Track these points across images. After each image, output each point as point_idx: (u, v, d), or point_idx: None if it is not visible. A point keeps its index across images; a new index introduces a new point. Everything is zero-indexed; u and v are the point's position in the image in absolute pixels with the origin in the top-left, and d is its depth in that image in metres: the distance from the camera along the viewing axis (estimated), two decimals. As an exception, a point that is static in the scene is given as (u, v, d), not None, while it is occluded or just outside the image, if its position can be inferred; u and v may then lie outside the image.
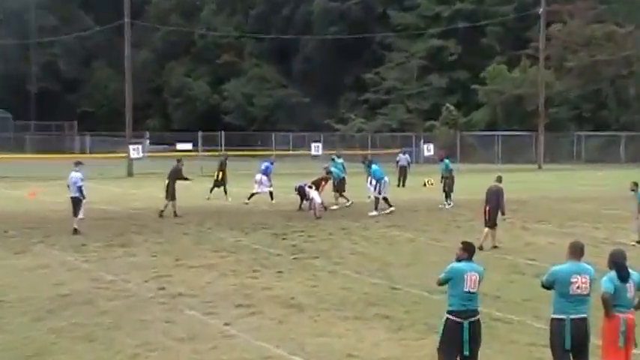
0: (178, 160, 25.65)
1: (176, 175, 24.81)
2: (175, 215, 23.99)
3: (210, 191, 29.77)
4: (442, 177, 28.23)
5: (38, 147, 67.40)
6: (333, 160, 30.16)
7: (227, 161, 30.87)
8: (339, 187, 27.14)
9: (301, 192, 25.62)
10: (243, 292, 13.30)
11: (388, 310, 12.05)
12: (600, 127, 61.04)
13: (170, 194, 24.27)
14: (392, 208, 24.77)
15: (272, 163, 29.30)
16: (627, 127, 59.94)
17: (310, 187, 24.55)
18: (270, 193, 28.33)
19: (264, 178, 28.37)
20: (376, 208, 24.53)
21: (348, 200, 26.74)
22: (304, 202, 25.61)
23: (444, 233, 20.86)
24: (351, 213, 25.27)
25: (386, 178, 25.21)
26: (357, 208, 26.12)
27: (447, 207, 26.88)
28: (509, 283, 14.15)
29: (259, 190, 28.32)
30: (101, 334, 10.74)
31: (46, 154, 56.30)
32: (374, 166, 25.32)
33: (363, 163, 27.70)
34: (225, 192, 29.66)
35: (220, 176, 29.83)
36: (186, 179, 25.25)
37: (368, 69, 75.18)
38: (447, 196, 27.32)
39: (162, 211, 24.08)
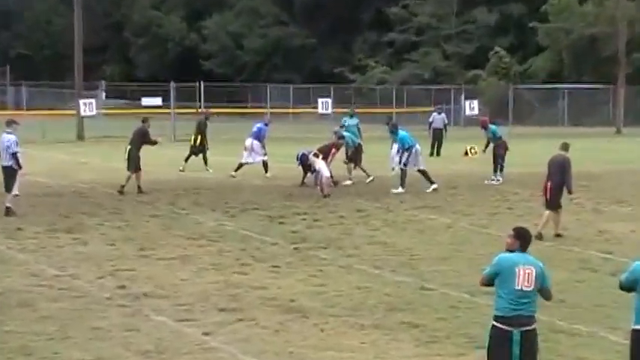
0: (144, 121, 25.63)
1: (141, 139, 24.82)
2: (140, 191, 24.01)
3: (186, 160, 29.80)
4: (487, 144, 28.23)
5: (-42, 100, 67.53)
6: (344, 121, 30.13)
7: (207, 122, 30.86)
8: (354, 157, 27.13)
9: (304, 162, 25.61)
10: (228, 293, 13.33)
11: (417, 317, 12.06)
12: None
13: (133, 164, 24.30)
14: (434, 186, 24.80)
15: (266, 125, 29.31)
16: None
17: (316, 155, 24.53)
18: (264, 164, 28.34)
19: (256, 143, 28.38)
20: (402, 184, 24.51)
21: (369, 175, 26.71)
22: (308, 175, 25.61)
23: (491, 217, 20.84)
24: (369, 190, 25.25)
25: (417, 146, 25.19)
26: (377, 185, 26.08)
27: (495, 183, 26.86)
28: (576, 284, 14.15)
29: (250, 160, 28.32)
30: (41, 345, 10.77)
31: (-30, 110, 56.23)
32: (401, 132, 25.30)
33: (388, 126, 27.66)
34: (205, 161, 29.67)
35: (199, 141, 29.83)
36: (154, 143, 25.29)
37: (393, 1, 74.87)
38: (498, 168, 27.30)
39: (122, 186, 24.10)
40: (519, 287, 8.22)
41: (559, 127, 56.56)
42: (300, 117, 61.25)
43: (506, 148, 27.66)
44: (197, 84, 52.77)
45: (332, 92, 58.27)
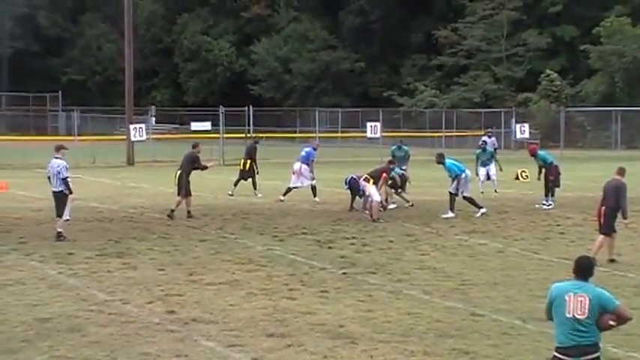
0: (194, 146, 25.55)
1: (191, 164, 24.91)
2: (189, 216, 24.16)
3: (235, 185, 29.93)
4: (540, 170, 27.99)
5: (11, 125, 68.57)
6: (399, 146, 30.12)
7: (257, 146, 30.99)
8: (395, 185, 27.14)
9: (353, 186, 25.61)
10: (276, 318, 13.31)
11: (468, 344, 11.96)
12: None
13: (183, 189, 24.42)
14: (483, 210, 24.72)
15: (315, 149, 29.34)
16: None
17: (367, 180, 24.50)
18: (313, 188, 28.38)
19: (305, 167, 28.43)
20: (452, 209, 24.45)
21: (408, 201, 26.83)
22: (357, 199, 25.59)
23: (542, 242, 20.65)
24: (419, 214, 25.18)
25: (467, 172, 25.10)
26: (426, 209, 25.98)
27: (545, 207, 26.64)
28: (631, 310, 13.92)
29: (298, 184, 28.38)
30: (92, 370, 10.82)
31: (21, 135, 57.19)
32: (447, 161, 25.19)
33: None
34: (255, 186, 29.78)
35: (248, 165, 29.96)
36: (204, 168, 25.35)
37: (442, 24, 74.93)
38: (549, 192, 27.09)
39: (172, 210, 24.26)
40: (571, 315, 8.13)
41: (612, 151, 56.02)
42: (349, 141, 61.38)
43: (558, 173, 27.44)
44: (246, 108, 53.12)
45: (381, 116, 58.21)
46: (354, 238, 21.03)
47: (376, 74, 79.92)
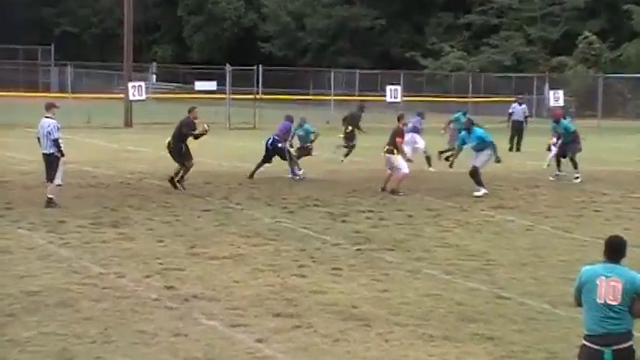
0: (190, 110, 24.62)
1: (183, 130, 23.96)
2: (172, 183, 23.62)
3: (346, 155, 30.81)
4: (558, 138, 28.06)
5: None
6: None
7: (362, 114, 32.78)
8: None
9: (275, 150, 26.41)
10: (284, 297, 13.35)
11: (491, 329, 11.98)
12: None
13: (178, 158, 23.92)
14: (483, 192, 24.22)
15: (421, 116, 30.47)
16: None
17: (390, 151, 24.20)
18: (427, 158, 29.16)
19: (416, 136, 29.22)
20: (481, 184, 23.98)
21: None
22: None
23: (575, 220, 20.64)
24: (442, 187, 25.15)
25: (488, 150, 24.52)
26: (449, 182, 25.96)
27: (558, 174, 26.84)
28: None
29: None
30: (82, 349, 10.87)
31: (10, 90, 57.24)
32: (477, 130, 24.78)
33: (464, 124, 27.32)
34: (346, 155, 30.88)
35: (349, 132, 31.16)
36: (199, 136, 24.46)
37: (471, -21, 74.48)
38: (560, 162, 27.36)
39: (171, 177, 24.09)
40: (602, 301, 8.13)
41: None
42: (367, 105, 61.21)
43: (578, 142, 27.60)
44: (255, 68, 53.02)
45: (402, 79, 58.02)
46: (370, 211, 21.03)
47: (398, 33, 79.55)
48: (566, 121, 28.38)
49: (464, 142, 24.58)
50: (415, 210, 21.38)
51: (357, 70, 66.30)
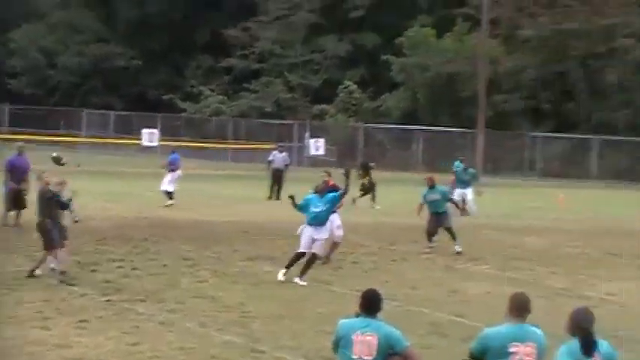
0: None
1: None
2: None
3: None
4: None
5: None
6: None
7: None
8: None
9: None
10: (25, 351, 12.98)
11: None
12: (564, 126, 62.97)
13: None
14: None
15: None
16: (600, 129, 61.80)
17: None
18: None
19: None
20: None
21: None
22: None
23: (335, 272, 20.93)
24: (200, 236, 25.11)
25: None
26: (205, 230, 25.93)
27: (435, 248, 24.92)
28: (423, 350, 14.29)
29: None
30: None
31: None
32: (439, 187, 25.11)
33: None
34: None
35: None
36: None
37: (232, 22, 75.14)
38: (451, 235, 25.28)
39: None
40: (357, 357, 8.26)
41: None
42: (122, 148, 60.58)
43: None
44: (4, 107, 51.65)
45: (159, 122, 57.86)
46: (121, 260, 20.74)
47: (156, 74, 79.21)
48: (442, 187, 26.13)
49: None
50: (170, 260, 21.22)
51: (112, 112, 65.64)
